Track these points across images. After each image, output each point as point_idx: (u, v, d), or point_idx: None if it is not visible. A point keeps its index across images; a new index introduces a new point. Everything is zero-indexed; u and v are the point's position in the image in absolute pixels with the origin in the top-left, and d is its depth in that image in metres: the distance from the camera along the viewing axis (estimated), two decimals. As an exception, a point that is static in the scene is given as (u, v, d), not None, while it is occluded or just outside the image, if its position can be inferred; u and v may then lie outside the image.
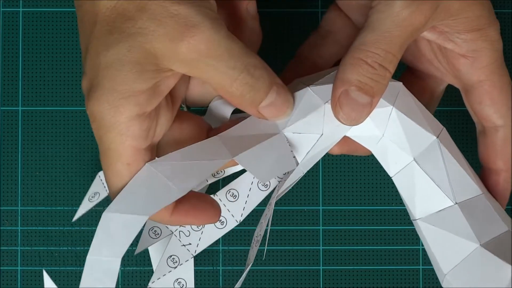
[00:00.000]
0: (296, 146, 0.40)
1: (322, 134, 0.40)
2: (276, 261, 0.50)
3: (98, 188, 0.46)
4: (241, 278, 0.39)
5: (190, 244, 0.43)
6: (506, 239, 0.41)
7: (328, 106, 0.39)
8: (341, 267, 0.50)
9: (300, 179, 0.50)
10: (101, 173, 0.46)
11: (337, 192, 0.50)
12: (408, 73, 0.45)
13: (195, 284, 0.49)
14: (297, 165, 0.40)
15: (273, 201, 0.40)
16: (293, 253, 0.50)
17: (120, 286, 0.49)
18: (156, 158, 0.38)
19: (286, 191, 0.41)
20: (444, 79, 0.44)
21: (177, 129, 0.40)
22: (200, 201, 0.40)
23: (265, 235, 0.48)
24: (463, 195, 0.41)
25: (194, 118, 0.41)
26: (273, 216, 0.50)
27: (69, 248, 0.49)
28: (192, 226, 0.43)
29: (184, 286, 0.44)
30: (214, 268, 0.49)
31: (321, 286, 0.49)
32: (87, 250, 0.49)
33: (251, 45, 0.42)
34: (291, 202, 0.50)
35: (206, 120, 0.42)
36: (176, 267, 0.43)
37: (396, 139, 0.41)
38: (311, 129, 0.40)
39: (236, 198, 0.44)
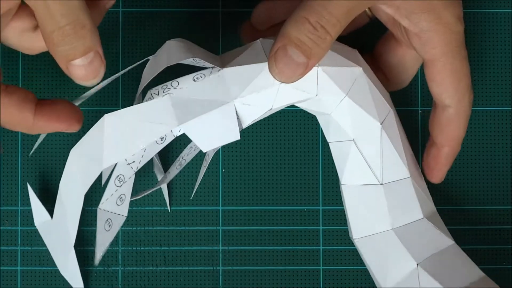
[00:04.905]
0: (242, 116, 0.42)
1: (271, 108, 0.42)
2: (276, 261, 0.50)
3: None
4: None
5: (134, 162, 0.43)
6: (416, 228, 0.44)
7: (283, 87, 0.41)
8: (341, 267, 0.50)
9: (300, 179, 0.50)
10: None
11: (337, 192, 0.50)
12: (390, 34, 0.46)
13: (195, 284, 0.49)
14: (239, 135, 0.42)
15: None
16: (293, 253, 0.50)
17: (120, 286, 0.49)
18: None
19: None
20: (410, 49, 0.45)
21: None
22: (63, 106, 0.41)
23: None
24: (391, 176, 0.43)
25: (20, 91, 0.40)
26: (273, 216, 0.50)
27: (69, 248, 0.49)
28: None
29: (123, 199, 0.44)
30: (214, 268, 0.49)
31: (321, 286, 0.49)
32: (87, 250, 0.49)
33: (98, 14, 0.42)
34: (291, 202, 0.50)
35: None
36: (121, 185, 0.43)
37: (342, 120, 0.43)
38: (262, 103, 0.41)
39: None
